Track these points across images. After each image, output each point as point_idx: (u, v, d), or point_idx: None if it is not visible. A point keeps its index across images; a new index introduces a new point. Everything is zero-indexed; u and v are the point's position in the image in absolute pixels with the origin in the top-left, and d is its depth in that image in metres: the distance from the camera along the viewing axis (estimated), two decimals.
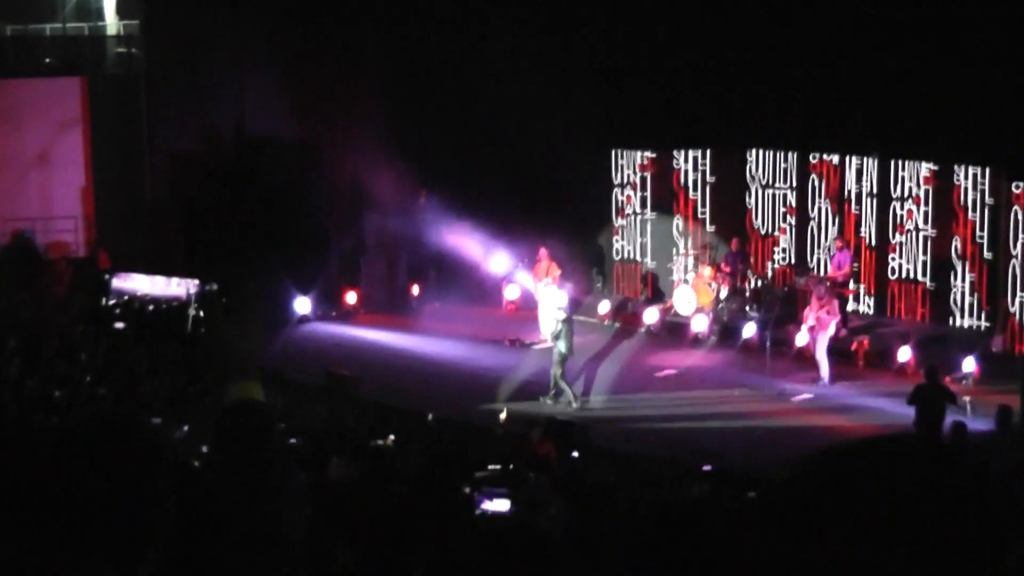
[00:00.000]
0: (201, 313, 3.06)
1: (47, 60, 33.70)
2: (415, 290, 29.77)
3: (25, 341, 22.08)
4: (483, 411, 21.63)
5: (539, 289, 26.70)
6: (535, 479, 15.50)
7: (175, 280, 3.13)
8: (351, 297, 29.00)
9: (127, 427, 2.56)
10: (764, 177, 27.64)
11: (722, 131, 27.41)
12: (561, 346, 22.01)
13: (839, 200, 26.53)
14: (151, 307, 3.11)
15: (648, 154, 28.72)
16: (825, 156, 26.63)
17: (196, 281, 3.10)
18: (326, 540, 9.54)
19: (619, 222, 29.45)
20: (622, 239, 29.41)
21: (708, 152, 28.16)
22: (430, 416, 19.59)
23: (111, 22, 34.25)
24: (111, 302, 3.16)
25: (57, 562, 2.33)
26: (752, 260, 27.56)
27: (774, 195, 27.58)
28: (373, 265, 29.79)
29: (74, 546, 2.33)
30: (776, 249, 27.79)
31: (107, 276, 3.22)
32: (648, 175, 28.82)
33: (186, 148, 30.87)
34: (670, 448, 19.46)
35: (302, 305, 28.29)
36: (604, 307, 27.90)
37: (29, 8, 33.54)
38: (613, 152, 29.02)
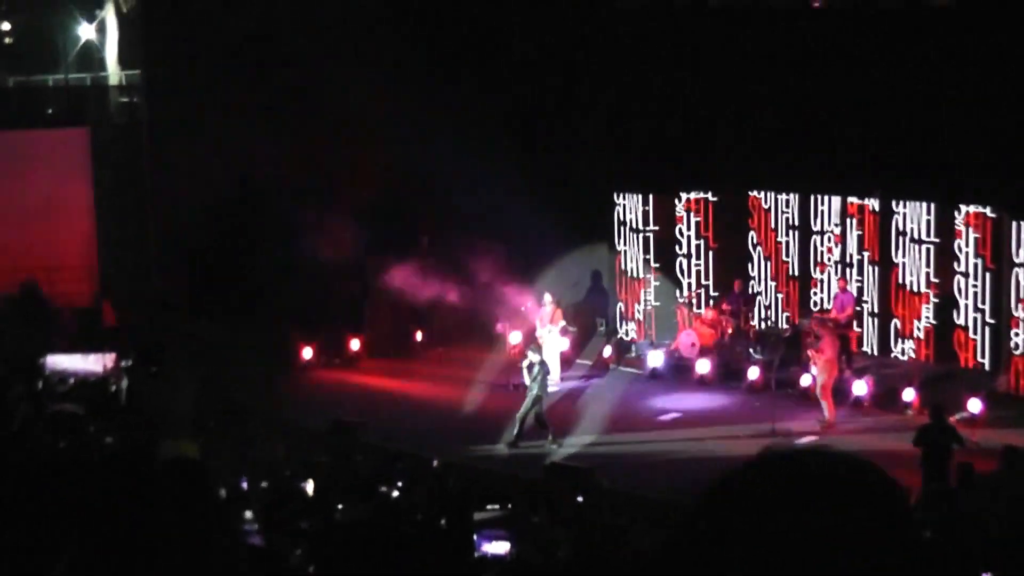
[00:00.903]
0: (125, 383, 3.09)
1: (50, 111, 33.86)
2: (419, 335, 29.77)
3: (31, 385, 22.06)
4: (488, 452, 21.68)
5: (543, 333, 26.69)
6: (539, 522, 15.50)
7: (93, 357, 3.14)
8: (355, 344, 28.99)
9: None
10: (769, 220, 27.67)
11: (725, 173, 27.50)
12: (534, 388, 22.15)
13: (843, 242, 26.54)
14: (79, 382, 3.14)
15: (651, 197, 28.72)
16: (824, 197, 26.65)
17: (113, 355, 3.13)
18: None
19: (621, 265, 29.42)
20: (626, 281, 29.40)
21: (710, 194, 28.18)
22: (435, 461, 19.57)
23: (113, 72, 34.42)
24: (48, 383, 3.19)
25: None
26: (759, 301, 27.59)
27: (776, 237, 27.59)
28: (376, 310, 29.78)
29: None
30: (780, 291, 27.80)
31: (40, 362, 3.25)
32: (652, 217, 28.82)
33: (189, 195, 30.94)
34: (676, 490, 19.42)
35: (306, 351, 28.31)
36: (608, 351, 27.91)
37: (32, 59, 33.72)
38: (615, 195, 29.02)
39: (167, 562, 2.69)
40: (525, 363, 22.85)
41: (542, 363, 22.69)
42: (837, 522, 1.90)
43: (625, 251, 29.04)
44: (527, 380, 22.64)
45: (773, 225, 27.55)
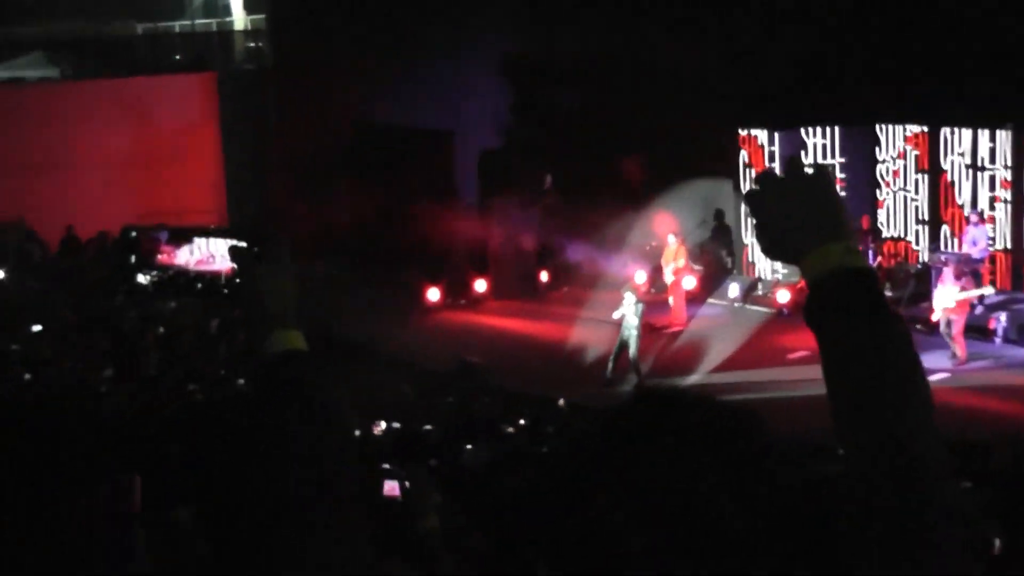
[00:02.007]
0: (235, 268, 3.01)
1: (177, 57, 34.28)
2: (544, 276, 29.75)
3: (162, 336, 22.49)
4: (613, 393, 21.63)
5: (669, 272, 26.57)
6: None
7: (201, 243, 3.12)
8: (480, 285, 29.06)
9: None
10: (895, 151, 27.23)
11: (851, 107, 27.08)
12: (633, 328, 22.38)
13: (973, 179, 26.03)
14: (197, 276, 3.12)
15: (777, 133, 28.39)
16: (957, 129, 26.13)
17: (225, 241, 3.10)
18: (459, 525, 9.58)
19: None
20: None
21: (837, 129, 27.77)
22: (561, 401, 19.56)
23: (238, 17, 34.76)
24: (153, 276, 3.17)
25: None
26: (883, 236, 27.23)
27: (906, 171, 27.15)
28: (501, 252, 29.80)
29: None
30: (909, 226, 27.37)
31: (132, 235, 3.23)
32: (777, 153, 28.49)
33: (313, 138, 31.20)
34: (804, 428, 19.23)
35: (432, 293, 28.45)
36: (734, 289, 27.70)
37: (158, 6, 34.14)
38: (741, 131, 28.72)
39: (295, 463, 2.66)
40: (625, 304, 22.64)
41: (637, 303, 22.61)
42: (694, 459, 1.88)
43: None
44: (634, 319, 22.43)
45: (901, 160, 27.09)
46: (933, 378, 21.52)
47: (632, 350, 22.26)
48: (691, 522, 1.80)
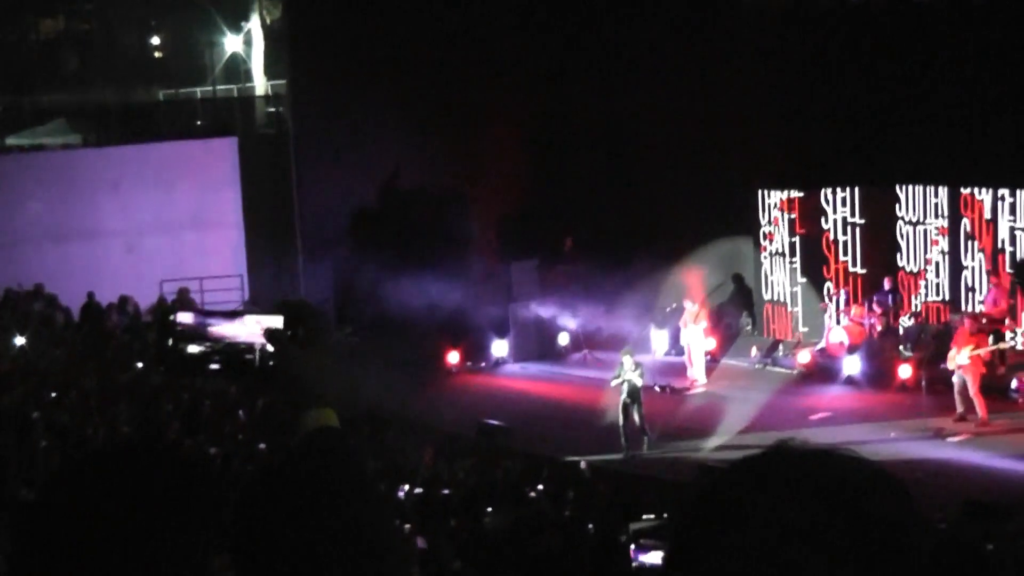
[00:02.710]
0: (269, 348, 3.07)
1: (198, 123, 34.53)
2: (563, 339, 29.75)
3: (184, 403, 22.52)
4: (635, 458, 21.60)
5: (688, 334, 26.57)
6: None
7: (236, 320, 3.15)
8: (500, 348, 29.08)
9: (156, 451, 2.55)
10: (915, 214, 27.22)
11: (869, 168, 27.12)
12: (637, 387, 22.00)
13: (993, 235, 26.01)
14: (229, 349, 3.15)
15: (795, 193, 28.43)
16: (976, 190, 26.12)
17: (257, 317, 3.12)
18: None
19: (766, 264, 29.12)
20: (771, 280, 29.09)
21: (856, 190, 27.79)
22: (583, 464, 19.53)
23: (259, 83, 35.04)
24: (194, 349, 3.20)
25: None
26: (904, 298, 27.20)
27: (926, 232, 27.13)
28: (521, 315, 29.83)
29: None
30: (927, 286, 27.32)
31: (172, 318, 3.27)
32: (795, 215, 28.51)
33: (335, 204, 31.35)
34: None
35: (453, 356, 28.49)
36: (755, 350, 27.68)
37: (181, 72, 34.44)
38: (759, 192, 28.77)
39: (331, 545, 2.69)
40: (624, 369, 22.21)
41: (637, 366, 22.30)
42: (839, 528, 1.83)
43: (770, 250, 28.79)
44: (639, 381, 22.16)
45: (922, 218, 27.10)
46: (954, 439, 21.46)
47: (636, 416, 22.00)
48: None
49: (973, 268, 26.40)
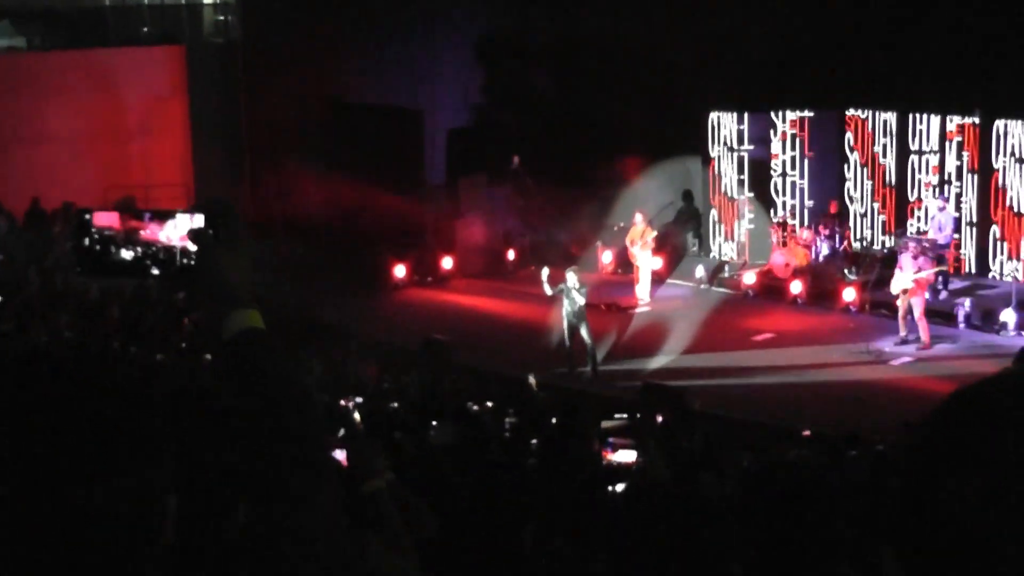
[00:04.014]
0: (192, 247, 3.00)
1: (145, 29, 34.08)
2: (511, 255, 29.75)
3: (126, 310, 22.40)
4: (581, 375, 21.70)
5: (635, 252, 26.61)
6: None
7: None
8: (447, 262, 29.05)
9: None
10: (863, 139, 27.35)
11: (821, 91, 27.16)
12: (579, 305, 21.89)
13: (940, 164, 26.18)
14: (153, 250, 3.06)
15: (746, 116, 28.44)
16: (923, 116, 26.25)
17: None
18: (417, 503, 9.57)
19: (713, 184, 29.18)
20: (719, 201, 29.15)
21: (806, 113, 27.84)
22: (531, 379, 19.56)
23: None
24: (127, 254, 3.11)
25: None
26: (851, 222, 27.38)
27: (873, 156, 27.28)
28: (468, 230, 29.79)
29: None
30: (873, 211, 27.51)
31: (87, 218, 3.19)
32: (747, 136, 28.53)
33: (282, 115, 31.10)
34: (769, 412, 19.35)
35: (399, 270, 28.43)
36: (700, 271, 27.77)
37: None
38: (711, 115, 28.77)
39: (258, 441, 2.67)
40: (568, 285, 21.98)
41: (581, 285, 22.17)
42: None
43: (718, 170, 28.84)
44: (580, 300, 22.03)
45: (871, 144, 27.22)
46: (897, 361, 21.68)
47: (584, 334, 22.00)
48: None
49: (919, 193, 26.60)
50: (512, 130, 30.95)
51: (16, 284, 23.49)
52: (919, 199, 26.69)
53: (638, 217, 26.76)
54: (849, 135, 27.56)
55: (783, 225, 27.67)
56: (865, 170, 27.47)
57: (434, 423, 15.19)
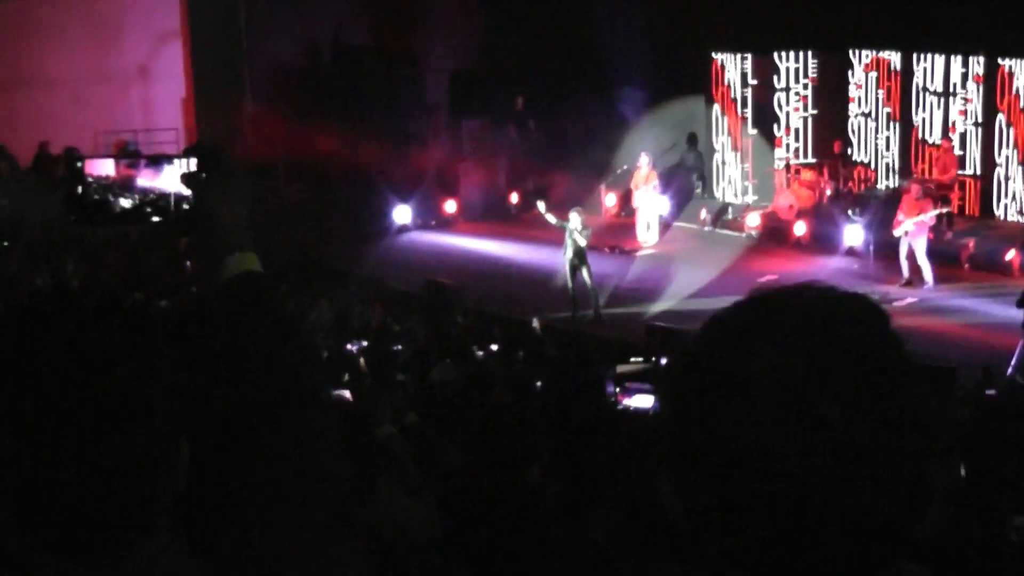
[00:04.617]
0: (186, 192, 2.97)
1: None
2: (514, 198, 29.69)
3: (129, 256, 22.41)
4: (584, 318, 21.68)
5: (639, 195, 26.56)
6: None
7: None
8: (450, 206, 29.00)
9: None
10: (866, 78, 27.24)
11: (825, 31, 27.02)
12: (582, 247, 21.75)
13: (945, 102, 26.07)
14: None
15: (750, 56, 28.31)
16: (929, 56, 26.12)
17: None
18: (429, 440, 9.61)
19: (717, 125, 29.09)
20: (723, 141, 29.05)
21: (810, 54, 27.71)
22: (534, 322, 19.57)
23: None
24: (125, 203, 3.09)
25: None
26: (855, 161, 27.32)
27: (877, 97, 27.18)
28: (471, 173, 29.73)
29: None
30: (878, 151, 27.42)
31: (79, 164, 3.14)
32: (749, 77, 28.41)
33: (284, 58, 30.99)
34: None
35: (402, 214, 28.39)
36: (704, 213, 27.72)
37: None
38: (713, 55, 28.64)
39: (255, 383, 2.65)
40: (571, 225, 21.69)
41: (584, 227, 22.01)
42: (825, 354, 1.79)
43: (722, 111, 28.74)
44: (582, 241, 21.88)
45: (876, 84, 27.11)
46: (900, 302, 21.67)
47: (586, 276, 21.86)
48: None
49: (925, 133, 26.52)
50: (515, 72, 30.81)
51: (19, 228, 23.45)
52: (931, 143, 26.58)
53: (642, 159, 26.69)
54: (851, 72, 27.42)
55: (787, 166, 27.60)
56: (869, 114, 27.36)
57: (437, 364, 15.23)
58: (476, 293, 22.68)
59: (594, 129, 28.86)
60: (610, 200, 28.70)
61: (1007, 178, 25.27)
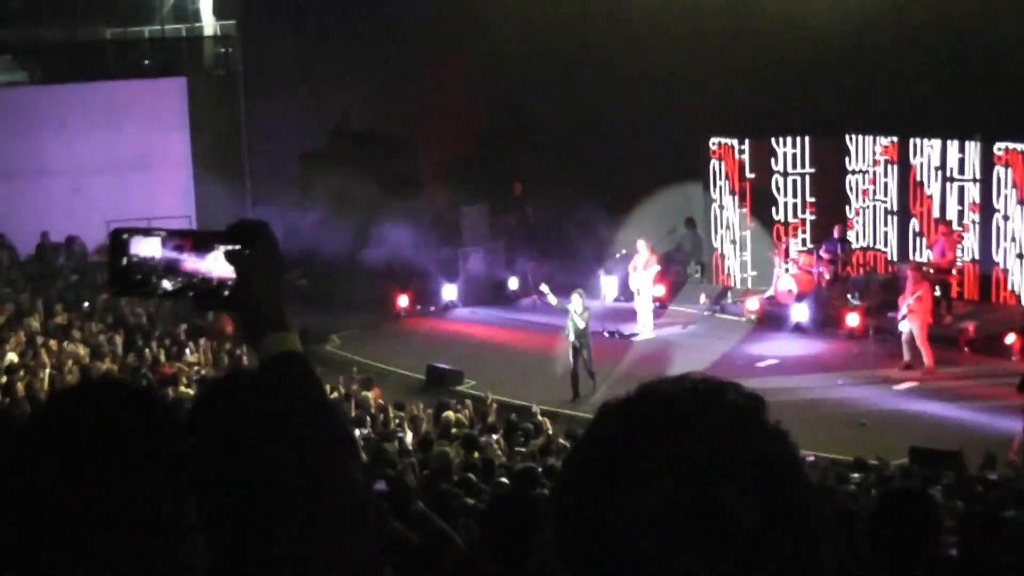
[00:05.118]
0: (228, 275, 2.97)
1: (146, 62, 34.15)
2: (512, 283, 29.73)
3: (128, 343, 22.47)
4: (583, 401, 21.65)
5: (637, 280, 26.59)
6: None
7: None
8: (449, 292, 29.05)
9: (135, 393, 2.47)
10: (863, 163, 27.37)
11: (821, 117, 27.21)
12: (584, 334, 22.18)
13: (941, 187, 26.20)
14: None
15: (747, 141, 28.46)
16: (926, 140, 26.27)
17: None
18: (437, 529, 9.57)
19: (715, 211, 29.17)
20: (721, 228, 29.11)
21: (807, 139, 27.85)
22: (534, 407, 19.56)
23: (208, 23, 34.66)
24: (168, 285, 3.08)
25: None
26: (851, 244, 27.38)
27: (876, 182, 27.31)
28: (471, 259, 29.80)
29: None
30: (875, 235, 27.53)
31: (124, 237, 3.13)
32: (747, 163, 28.53)
33: (284, 145, 31.20)
34: None
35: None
36: (703, 298, 27.75)
37: (127, 11, 34.00)
38: (711, 141, 28.77)
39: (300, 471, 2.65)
40: (572, 307, 22.24)
41: (585, 309, 22.39)
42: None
43: (720, 197, 28.84)
44: (581, 323, 22.27)
45: (870, 169, 27.26)
46: (900, 387, 21.65)
47: (586, 357, 22.09)
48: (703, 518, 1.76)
49: (920, 216, 26.62)
50: (512, 157, 30.97)
51: (20, 319, 23.50)
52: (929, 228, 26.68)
53: (640, 244, 26.76)
54: (849, 159, 27.57)
55: (786, 251, 27.67)
56: (866, 195, 27.48)
57: (435, 446, 15.21)
58: (476, 378, 22.68)
59: (592, 214, 28.92)
60: (609, 285, 28.73)
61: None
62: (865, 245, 27.63)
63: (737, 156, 28.45)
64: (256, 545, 2.55)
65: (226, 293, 2.98)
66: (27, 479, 2.26)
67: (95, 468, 2.25)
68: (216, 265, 3.00)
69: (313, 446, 2.64)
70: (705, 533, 1.71)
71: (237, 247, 2.95)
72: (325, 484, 2.60)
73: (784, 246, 27.78)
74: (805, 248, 27.63)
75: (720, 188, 28.80)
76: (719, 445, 1.77)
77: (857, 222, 27.68)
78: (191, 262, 3.03)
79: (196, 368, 21.32)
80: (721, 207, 28.86)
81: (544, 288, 22.72)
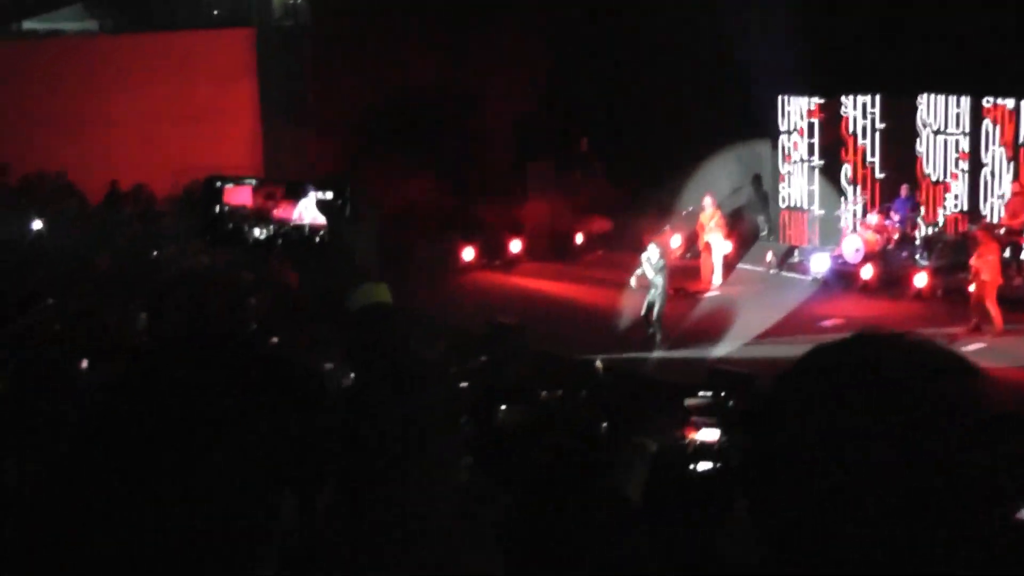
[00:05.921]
0: (321, 220, 2.97)
1: (215, 12, 34.27)
2: (579, 238, 29.68)
3: (191, 296, 22.51)
4: (644, 357, 21.60)
5: (704, 237, 26.47)
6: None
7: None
8: (515, 245, 29.03)
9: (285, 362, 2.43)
10: (936, 123, 27.05)
11: (892, 76, 26.87)
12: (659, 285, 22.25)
13: (1014, 146, 25.85)
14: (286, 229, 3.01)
15: (816, 100, 28.21)
16: (1000, 100, 25.92)
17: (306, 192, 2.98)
18: (489, 484, 9.57)
19: (785, 169, 29.02)
20: (788, 186, 28.96)
21: (878, 98, 27.56)
22: (597, 362, 19.50)
23: None
24: (258, 232, 3.05)
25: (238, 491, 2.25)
26: (923, 207, 27.08)
27: (946, 141, 26.98)
28: (536, 213, 29.75)
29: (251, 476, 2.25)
30: (948, 196, 27.21)
31: (217, 185, 3.12)
32: (816, 121, 28.31)
33: (351, 99, 31.19)
34: None
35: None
36: (770, 255, 27.60)
37: None
38: (780, 98, 28.55)
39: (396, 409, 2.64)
40: (646, 260, 22.49)
41: (664, 268, 22.40)
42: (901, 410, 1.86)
43: (788, 155, 28.63)
44: (651, 276, 22.34)
45: (943, 127, 26.94)
46: (968, 347, 21.43)
47: (657, 310, 22.09)
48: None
49: (994, 177, 26.29)
50: (579, 113, 30.86)
51: (88, 265, 23.69)
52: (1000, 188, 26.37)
53: (707, 201, 26.62)
54: (921, 118, 27.26)
55: (854, 211, 27.44)
56: (938, 154, 27.18)
57: (502, 407, 15.19)
58: (540, 333, 22.65)
59: (659, 170, 28.80)
60: (675, 242, 28.62)
61: None
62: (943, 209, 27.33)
63: (806, 114, 28.20)
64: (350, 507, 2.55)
65: (317, 241, 2.98)
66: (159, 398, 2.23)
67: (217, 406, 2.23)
68: (307, 213, 3.00)
69: (403, 399, 2.64)
70: (886, 491, 1.79)
71: (329, 196, 2.96)
72: (414, 435, 2.60)
73: (853, 205, 27.54)
74: (874, 208, 27.39)
75: (787, 147, 28.58)
76: (923, 410, 1.90)
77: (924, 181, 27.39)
78: (281, 210, 3.03)
79: None
80: (791, 164, 28.66)
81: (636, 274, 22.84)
